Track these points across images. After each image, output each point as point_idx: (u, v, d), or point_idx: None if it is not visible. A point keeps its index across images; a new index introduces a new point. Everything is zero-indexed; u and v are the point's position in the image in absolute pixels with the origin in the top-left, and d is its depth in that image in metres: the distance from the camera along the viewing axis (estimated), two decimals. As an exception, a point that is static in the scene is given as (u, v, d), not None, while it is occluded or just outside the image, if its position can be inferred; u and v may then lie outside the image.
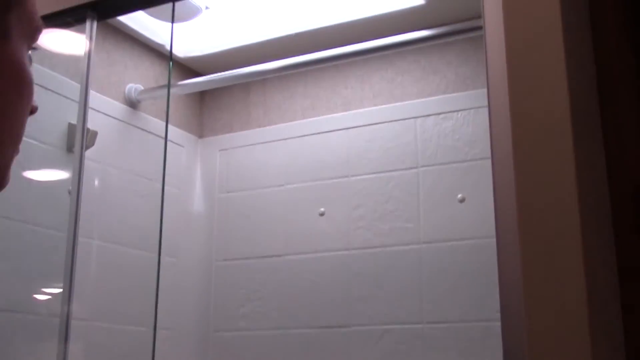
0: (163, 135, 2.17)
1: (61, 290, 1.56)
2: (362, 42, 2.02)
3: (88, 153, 2.04)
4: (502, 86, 1.09)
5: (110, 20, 2.14)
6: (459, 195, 2.11)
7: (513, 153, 1.05)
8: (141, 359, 1.86)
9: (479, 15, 1.18)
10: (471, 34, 1.91)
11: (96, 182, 2.10)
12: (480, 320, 1.99)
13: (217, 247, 2.46)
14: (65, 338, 1.53)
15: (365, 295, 2.17)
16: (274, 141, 2.44)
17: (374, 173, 2.25)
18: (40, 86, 1.93)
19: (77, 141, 1.63)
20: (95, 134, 2.07)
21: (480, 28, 1.16)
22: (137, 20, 2.21)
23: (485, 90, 1.16)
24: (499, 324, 1.26)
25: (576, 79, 1.06)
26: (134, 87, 2.29)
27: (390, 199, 2.20)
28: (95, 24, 1.63)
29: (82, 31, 1.64)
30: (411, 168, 2.19)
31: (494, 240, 1.15)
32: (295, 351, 2.23)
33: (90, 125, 1.94)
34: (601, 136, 1.13)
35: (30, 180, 1.89)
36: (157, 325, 1.97)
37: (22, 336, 1.75)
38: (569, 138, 1.01)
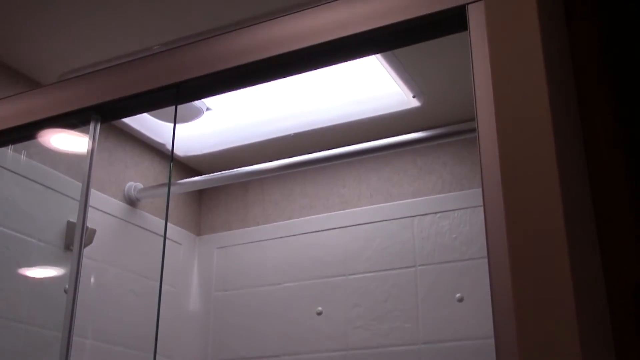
0: (161, 233, 2.18)
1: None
2: (359, 143, 2.06)
3: (86, 251, 2.04)
4: (496, 187, 1.11)
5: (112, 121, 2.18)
6: (458, 295, 2.10)
7: (509, 253, 1.05)
8: None
9: (473, 118, 1.21)
10: (466, 136, 1.96)
11: (92, 280, 2.09)
12: None
13: (213, 347, 2.42)
14: None
15: (363, 397, 2.12)
16: (271, 239, 2.44)
17: (372, 272, 2.24)
18: (42, 185, 1.95)
19: (76, 240, 1.63)
20: (93, 231, 2.07)
21: (474, 130, 1.19)
22: (139, 121, 2.26)
23: (479, 190, 1.17)
24: None
25: (568, 179, 1.09)
26: (133, 185, 2.32)
27: (388, 298, 2.19)
28: (98, 126, 1.67)
29: (85, 132, 1.68)
30: (409, 267, 2.19)
31: (491, 340, 1.14)
32: None
33: (89, 222, 1.95)
34: (596, 237, 1.14)
35: (26, 278, 1.89)
36: None
37: None
38: (563, 238, 1.02)
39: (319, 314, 2.28)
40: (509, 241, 1.06)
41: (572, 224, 1.05)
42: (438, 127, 2.00)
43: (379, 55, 1.86)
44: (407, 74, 1.97)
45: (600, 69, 1.29)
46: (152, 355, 1.69)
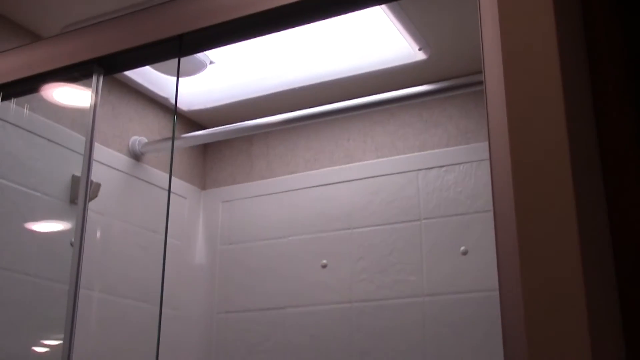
0: (166, 187, 2.18)
1: (61, 342, 1.55)
2: (365, 96, 2.05)
3: (91, 205, 2.04)
4: (503, 139, 1.10)
5: (115, 74, 2.17)
6: (462, 248, 2.10)
7: (515, 205, 1.05)
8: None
9: (480, 70, 1.19)
10: (472, 89, 1.94)
11: (98, 234, 2.10)
12: (484, 375, 1.97)
13: (218, 300, 2.44)
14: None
15: (367, 348, 2.15)
16: (276, 193, 2.44)
17: (377, 225, 2.25)
18: (46, 139, 1.95)
19: (80, 193, 1.64)
20: (98, 185, 2.08)
21: (481, 83, 1.18)
22: (142, 74, 2.24)
23: (486, 143, 1.17)
24: (503, 378, 1.25)
25: (577, 132, 1.08)
26: (137, 139, 2.31)
27: (393, 251, 2.19)
28: (101, 79, 1.65)
29: (88, 85, 1.67)
30: (414, 220, 2.19)
31: (496, 292, 1.15)
32: (297, 406, 2.20)
33: (93, 177, 1.95)
34: (603, 188, 1.13)
35: (32, 232, 1.90)
36: (158, 379, 1.94)
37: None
38: (570, 190, 1.01)
39: (324, 267, 2.29)
40: (515, 195, 1.06)
41: (580, 178, 1.04)
42: (444, 80, 1.98)
43: (384, 7, 1.84)
44: (413, 26, 1.94)
45: (610, 21, 1.27)
46: (158, 308, 1.70)
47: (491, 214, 1.12)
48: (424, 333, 2.09)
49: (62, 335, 1.57)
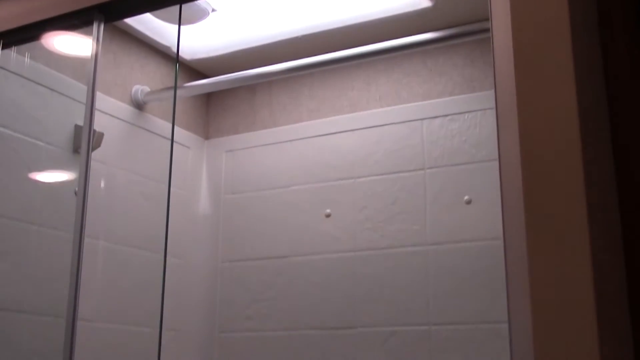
0: (169, 136, 2.17)
1: (67, 290, 1.56)
2: (369, 44, 2.02)
3: (94, 154, 2.04)
4: (509, 88, 1.09)
5: (116, 23, 2.14)
6: (466, 197, 2.10)
7: (520, 154, 1.04)
8: (147, 359, 1.86)
9: (487, 18, 1.17)
10: (478, 36, 1.91)
11: (102, 184, 2.11)
12: (487, 322, 1.99)
13: (222, 249, 2.46)
14: (71, 338, 1.53)
15: (371, 296, 2.17)
16: (280, 143, 2.44)
17: (381, 175, 2.24)
18: (47, 88, 1.94)
19: (83, 142, 1.63)
20: (101, 135, 2.07)
21: (487, 30, 1.16)
22: (144, 22, 2.22)
23: (491, 92, 1.15)
24: (506, 326, 1.26)
25: (584, 79, 1.06)
26: (140, 88, 2.30)
27: (396, 201, 2.20)
28: (102, 26, 1.63)
29: (89, 33, 1.65)
30: (418, 170, 2.19)
31: (501, 242, 1.15)
32: (301, 352, 2.23)
33: (96, 126, 1.95)
34: (609, 136, 1.13)
35: (36, 182, 1.90)
36: (163, 326, 1.97)
37: (28, 336, 1.75)
38: (576, 138, 1.00)
39: (328, 216, 2.30)
40: (521, 143, 1.05)
41: (585, 122, 1.03)
42: (449, 27, 1.95)
43: (389, -48, 1.80)
44: (419, -29, 1.91)
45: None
46: (163, 256, 1.71)
47: (496, 163, 1.12)
48: (427, 281, 2.10)
49: (67, 284, 1.58)
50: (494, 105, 1.15)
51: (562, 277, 0.98)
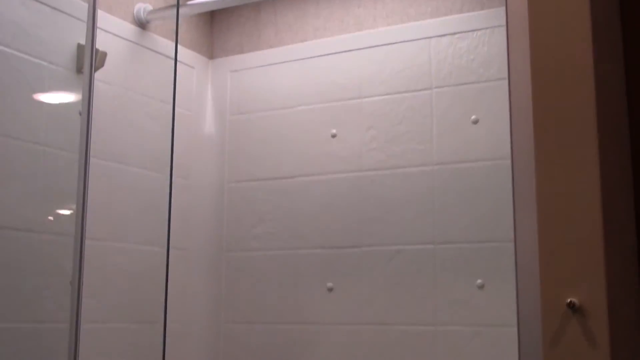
0: (173, 56, 2.14)
1: (74, 210, 1.57)
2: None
3: (98, 74, 2.02)
4: (520, 5, 1.06)
5: (117, -63, 2.08)
6: (473, 117, 2.08)
7: (531, 71, 1.03)
8: (154, 277, 1.89)
9: None
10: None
11: (107, 104, 2.09)
12: (491, 241, 2.00)
13: (229, 169, 2.46)
14: (80, 257, 1.55)
15: (377, 216, 2.18)
16: (285, 62, 2.41)
17: (387, 94, 2.22)
18: (48, 6, 1.90)
19: (86, 62, 1.61)
20: (104, 54, 2.04)
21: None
22: (145, -63, 2.16)
23: (501, 9, 1.13)
24: (511, 244, 1.27)
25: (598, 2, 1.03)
26: (142, 6, 2.25)
27: (403, 121, 2.18)
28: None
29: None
30: (425, 89, 2.16)
31: (507, 161, 1.14)
32: (307, 271, 2.26)
33: (99, 46, 1.92)
34: (622, 53, 1.10)
35: (40, 102, 1.88)
36: (171, 245, 1.99)
37: (36, 256, 1.77)
38: (589, 55, 0.98)
39: (334, 136, 2.29)
40: (532, 60, 1.03)
41: (598, 39, 1.01)
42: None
43: None
44: None
45: None
46: (169, 177, 1.72)
47: (503, 82, 1.10)
48: (433, 201, 2.11)
49: (74, 204, 1.59)
50: (504, 23, 1.12)
51: (570, 191, 0.98)
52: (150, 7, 2.27)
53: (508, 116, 1.13)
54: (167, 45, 2.31)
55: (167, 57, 2.29)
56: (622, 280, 1.03)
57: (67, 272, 1.58)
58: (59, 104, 1.96)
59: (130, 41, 2.20)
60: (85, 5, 1.71)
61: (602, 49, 1.03)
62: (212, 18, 2.58)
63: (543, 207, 0.99)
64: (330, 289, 2.22)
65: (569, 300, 1.02)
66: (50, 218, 1.82)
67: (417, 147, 2.15)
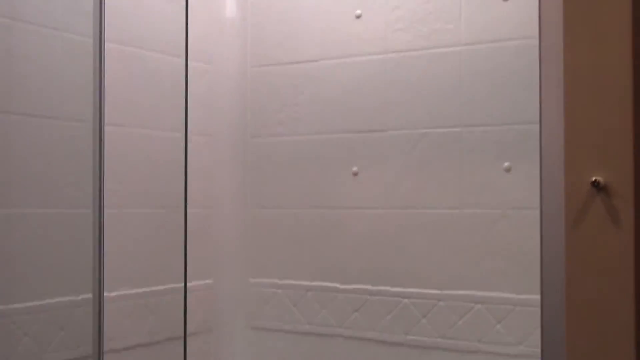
0: None
1: (92, 96, 1.55)
2: None
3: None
4: None
5: None
6: (503, -6, 1.99)
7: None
8: (177, 163, 1.88)
9: None
10: None
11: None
12: (518, 123, 1.96)
13: (252, 53, 2.41)
14: (100, 142, 1.54)
15: (402, 99, 2.13)
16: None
17: (413, -29, 2.12)
18: None
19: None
20: None
21: None
22: None
23: None
24: (537, 126, 1.23)
25: None
26: None
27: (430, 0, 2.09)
28: None
29: None
30: (453, -35, 2.06)
31: (536, 41, 1.09)
32: (332, 156, 2.25)
33: None
34: None
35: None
36: (195, 131, 1.97)
37: (57, 141, 1.77)
38: None
39: (358, 17, 2.21)
40: None
41: None
42: None
43: None
44: None
45: None
46: (184, 61, 1.68)
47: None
48: (460, 84, 2.05)
49: (92, 89, 1.57)
50: None
51: (599, 68, 0.92)
52: None
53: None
54: None
55: None
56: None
57: (89, 158, 1.58)
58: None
59: None
60: None
61: None
62: None
63: (570, 85, 0.95)
64: (355, 174, 2.21)
65: (593, 178, 0.99)
66: (67, 104, 1.79)
67: (444, 27, 2.07)
